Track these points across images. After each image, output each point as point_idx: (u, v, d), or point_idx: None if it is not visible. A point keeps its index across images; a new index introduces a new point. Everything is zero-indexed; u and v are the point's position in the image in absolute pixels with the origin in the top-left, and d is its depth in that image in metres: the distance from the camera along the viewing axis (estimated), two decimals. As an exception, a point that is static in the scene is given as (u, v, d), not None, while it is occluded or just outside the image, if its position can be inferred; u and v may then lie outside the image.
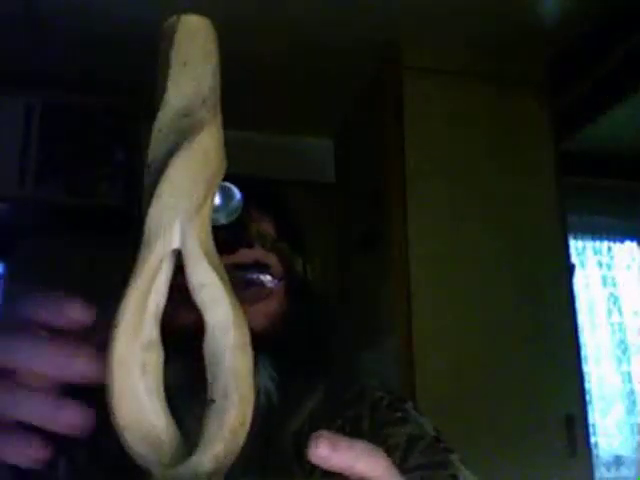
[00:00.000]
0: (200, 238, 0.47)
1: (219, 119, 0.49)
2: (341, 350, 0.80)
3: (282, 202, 0.81)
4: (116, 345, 0.47)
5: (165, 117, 0.50)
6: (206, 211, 0.48)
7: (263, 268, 0.71)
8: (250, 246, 0.69)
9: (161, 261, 0.48)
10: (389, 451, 0.69)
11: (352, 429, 0.72)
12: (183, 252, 0.47)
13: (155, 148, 0.49)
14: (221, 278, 0.46)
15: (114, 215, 2.28)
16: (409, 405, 0.77)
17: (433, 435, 0.73)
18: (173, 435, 0.47)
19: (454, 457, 0.71)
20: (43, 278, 2.40)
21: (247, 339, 0.46)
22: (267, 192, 0.80)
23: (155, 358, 0.48)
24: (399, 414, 0.74)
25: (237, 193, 0.63)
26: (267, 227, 0.74)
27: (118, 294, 0.48)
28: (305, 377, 0.72)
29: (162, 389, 0.48)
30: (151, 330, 0.48)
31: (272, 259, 0.73)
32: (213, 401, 0.45)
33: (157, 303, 0.48)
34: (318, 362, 0.74)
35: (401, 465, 0.67)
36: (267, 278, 0.71)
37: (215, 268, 0.46)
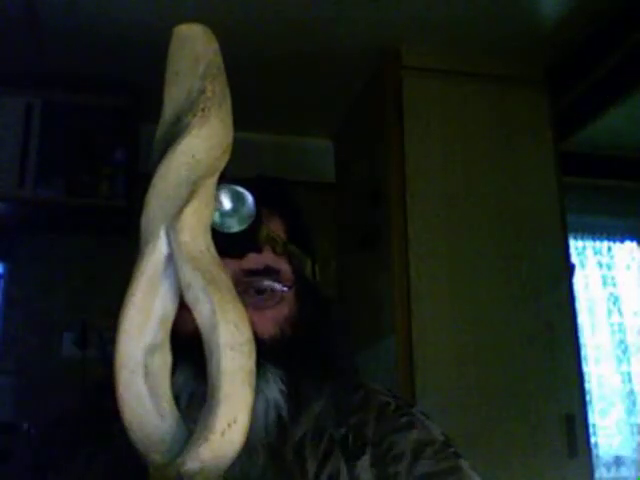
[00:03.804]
0: (183, 239, 0.46)
1: (213, 119, 0.49)
2: (346, 351, 0.78)
3: (292, 201, 0.79)
4: (119, 349, 0.47)
5: (161, 128, 0.50)
6: (191, 212, 0.47)
7: (274, 274, 0.68)
8: (259, 251, 0.67)
9: (163, 266, 0.48)
10: (395, 461, 0.67)
11: (356, 437, 0.71)
12: (173, 255, 0.47)
13: (153, 159, 0.50)
14: (206, 278, 0.46)
15: (114, 215, 2.28)
16: (416, 410, 0.76)
17: (442, 440, 0.72)
18: (179, 436, 0.47)
19: (464, 463, 0.70)
20: (43, 278, 2.40)
21: (242, 338, 0.45)
22: (277, 191, 0.77)
23: (160, 361, 0.48)
24: (406, 419, 0.73)
25: (250, 199, 0.61)
26: (277, 229, 0.71)
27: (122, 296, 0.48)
28: (313, 382, 0.71)
29: (169, 391, 0.48)
30: (156, 334, 0.48)
31: (282, 264, 0.70)
32: (206, 401, 0.45)
33: (164, 307, 0.48)
34: (326, 367, 0.73)
35: (409, 474, 0.67)
36: (278, 285, 0.68)
37: (199, 268, 0.46)
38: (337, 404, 0.73)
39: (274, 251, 0.69)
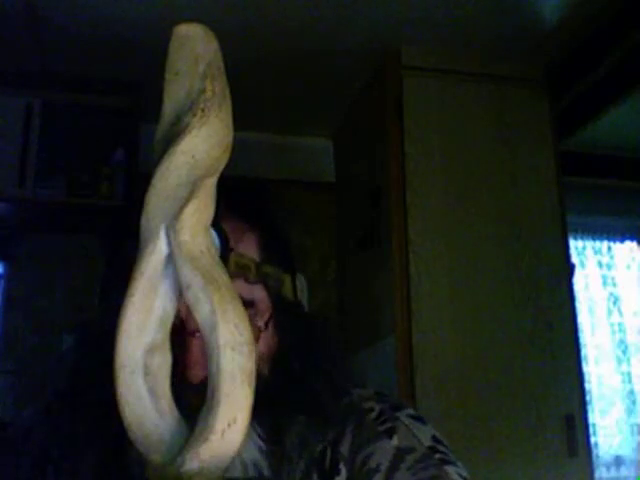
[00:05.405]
0: (183, 239, 0.46)
1: (213, 119, 0.49)
2: (335, 374, 0.69)
3: (265, 207, 0.70)
4: (119, 348, 0.47)
5: (161, 128, 0.50)
6: (191, 212, 0.47)
7: (248, 307, 0.60)
8: None
9: (162, 266, 0.48)
10: (369, 475, 0.63)
11: (332, 454, 0.66)
12: (173, 255, 0.47)
13: (153, 160, 0.50)
14: (206, 278, 0.46)
15: (114, 215, 2.28)
16: (404, 413, 0.69)
17: (428, 446, 0.65)
18: (179, 436, 0.47)
19: (450, 469, 0.63)
20: (43, 278, 2.40)
21: (242, 338, 0.45)
22: (246, 198, 0.68)
23: (160, 361, 0.48)
24: (387, 425, 0.66)
25: (216, 239, 0.55)
26: (249, 248, 0.64)
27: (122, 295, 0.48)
28: (297, 425, 0.65)
29: (168, 391, 0.48)
30: (156, 334, 0.48)
31: (258, 292, 0.63)
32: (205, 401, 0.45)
33: (164, 307, 0.48)
34: (311, 405, 0.66)
35: None
36: (253, 322, 0.61)
37: (199, 268, 0.46)
38: (315, 422, 0.66)
39: (247, 280, 0.62)
